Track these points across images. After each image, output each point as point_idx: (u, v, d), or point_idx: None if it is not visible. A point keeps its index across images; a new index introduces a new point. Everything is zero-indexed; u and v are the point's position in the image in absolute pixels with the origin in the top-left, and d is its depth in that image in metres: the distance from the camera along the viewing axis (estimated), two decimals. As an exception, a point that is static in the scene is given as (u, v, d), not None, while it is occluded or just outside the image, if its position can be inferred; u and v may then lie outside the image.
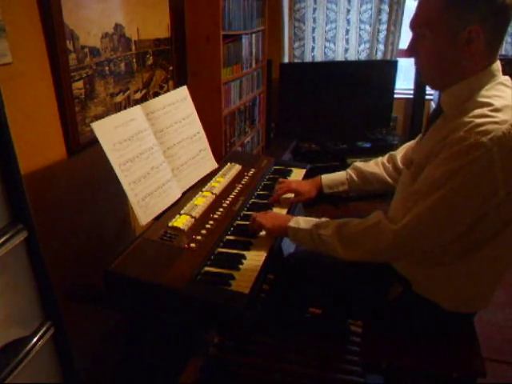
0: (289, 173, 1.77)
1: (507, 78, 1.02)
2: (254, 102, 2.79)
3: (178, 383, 1.57)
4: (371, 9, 3.15)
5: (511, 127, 0.90)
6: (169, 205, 1.37)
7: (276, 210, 1.46)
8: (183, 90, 1.60)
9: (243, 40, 2.40)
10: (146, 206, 1.28)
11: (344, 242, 1.08)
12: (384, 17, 3.14)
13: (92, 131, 1.18)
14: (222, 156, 2.01)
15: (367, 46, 3.27)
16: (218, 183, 1.55)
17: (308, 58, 3.30)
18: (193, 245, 1.18)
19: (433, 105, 3.16)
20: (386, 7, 3.11)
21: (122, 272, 1.06)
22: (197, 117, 1.62)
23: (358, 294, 1.25)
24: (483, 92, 0.98)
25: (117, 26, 1.59)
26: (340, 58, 3.30)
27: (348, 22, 3.20)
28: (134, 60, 1.73)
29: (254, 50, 2.62)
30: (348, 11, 3.17)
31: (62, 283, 1.08)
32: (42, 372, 0.96)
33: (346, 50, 3.29)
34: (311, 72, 3.19)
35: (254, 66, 2.65)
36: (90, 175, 1.51)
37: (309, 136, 3.25)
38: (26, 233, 0.86)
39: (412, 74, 3.26)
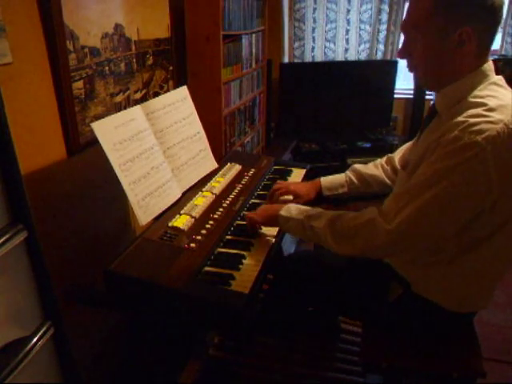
0: (289, 173, 1.77)
1: (500, 77, 1.02)
2: (254, 101, 2.79)
3: (177, 383, 1.57)
4: (371, 9, 3.15)
5: (506, 127, 0.90)
6: (169, 205, 1.37)
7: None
8: (183, 90, 1.60)
9: (243, 40, 2.40)
10: (146, 206, 1.28)
11: (336, 237, 1.08)
12: (384, 17, 3.14)
13: (92, 131, 1.18)
14: (221, 156, 2.01)
15: (367, 46, 3.27)
16: (218, 183, 1.55)
17: (308, 58, 3.30)
18: (193, 245, 1.18)
19: (433, 105, 3.15)
20: (385, 7, 3.11)
21: (122, 272, 1.06)
22: (197, 117, 1.62)
23: (358, 295, 1.25)
24: (476, 92, 0.98)
25: (117, 26, 1.59)
26: (340, 58, 3.30)
27: (348, 21, 3.21)
28: (134, 60, 1.73)
29: (253, 50, 2.62)
30: (348, 11, 3.18)
31: (62, 283, 1.08)
32: (42, 372, 0.96)
33: (346, 50, 3.29)
34: (311, 72, 3.19)
35: (253, 65, 2.65)
36: (90, 175, 1.51)
37: (309, 136, 3.25)
38: (26, 233, 0.86)
39: (412, 73, 3.25)
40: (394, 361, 1.16)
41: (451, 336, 1.20)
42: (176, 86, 2.00)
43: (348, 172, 1.50)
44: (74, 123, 1.40)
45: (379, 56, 3.26)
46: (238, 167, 1.70)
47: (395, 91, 3.22)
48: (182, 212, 1.33)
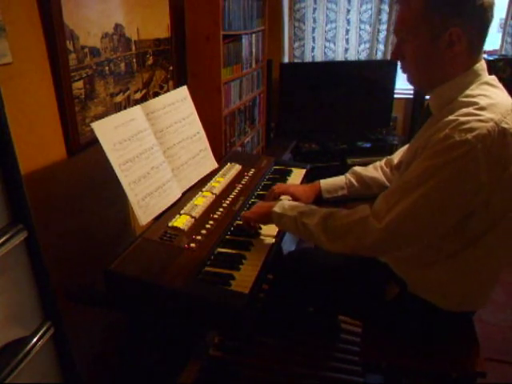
0: (289, 173, 1.76)
1: (493, 77, 1.02)
2: (254, 101, 2.79)
3: (177, 383, 1.57)
4: (371, 9, 3.16)
5: (496, 125, 0.90)
6: (169, 205, 1.37)
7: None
8: (183, 90, 1.60)
9: (243, 40, 2.40)
10: (146, 206, 1.28)
11: (328, 234, 1.08)
12: (384, 17, 3.14)
13: (92, 131, 1.18)
14: (221, 156, 2.01)
15: (367, 46, 3.27)
16: (218, 183, 1.55)
17: (308, 58, 3.30)
18: (193, 245, 1.18)
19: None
20: (385, 7, 3.11)
21: (122, 272, 1.06)
22: (197, 117, 1.62)
23: (356, 294, 1.25)
24: (468, 92, 0.98)
25: (117, 26, 1.59)
26: (340, 58, 3.31)
27: (348, 21, 3.21)
28: (134, 60, 1.73)
29: (254, 50, 2.62)
30: (348, 11, 3.18)
31: (61, 283, 1.08)
32: (42, 372, 0.96)
33: (346, 50, 3.29)
34: (311, 72, 3.19)
35: (253, 65, 2.65)
36: (90, 175, 1.51)
37: (309, 136, 3.26)
38: (26, 233, 0.86)
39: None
40: (393, 361, 1.16)
41: (451, 336, 1.20)
42: (176, 86, 2.00)
43: (348, 174, 1.49)
44: (74, 123, 1.40)
45: (379, 56, 3.26)
46: (238, 167, 1.70)
47: (395, 91, 3.22)
48: (182, 212, 1.33)
